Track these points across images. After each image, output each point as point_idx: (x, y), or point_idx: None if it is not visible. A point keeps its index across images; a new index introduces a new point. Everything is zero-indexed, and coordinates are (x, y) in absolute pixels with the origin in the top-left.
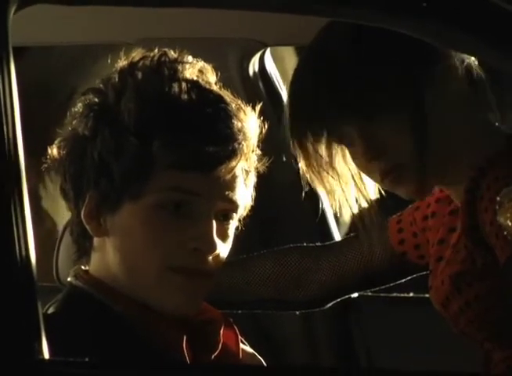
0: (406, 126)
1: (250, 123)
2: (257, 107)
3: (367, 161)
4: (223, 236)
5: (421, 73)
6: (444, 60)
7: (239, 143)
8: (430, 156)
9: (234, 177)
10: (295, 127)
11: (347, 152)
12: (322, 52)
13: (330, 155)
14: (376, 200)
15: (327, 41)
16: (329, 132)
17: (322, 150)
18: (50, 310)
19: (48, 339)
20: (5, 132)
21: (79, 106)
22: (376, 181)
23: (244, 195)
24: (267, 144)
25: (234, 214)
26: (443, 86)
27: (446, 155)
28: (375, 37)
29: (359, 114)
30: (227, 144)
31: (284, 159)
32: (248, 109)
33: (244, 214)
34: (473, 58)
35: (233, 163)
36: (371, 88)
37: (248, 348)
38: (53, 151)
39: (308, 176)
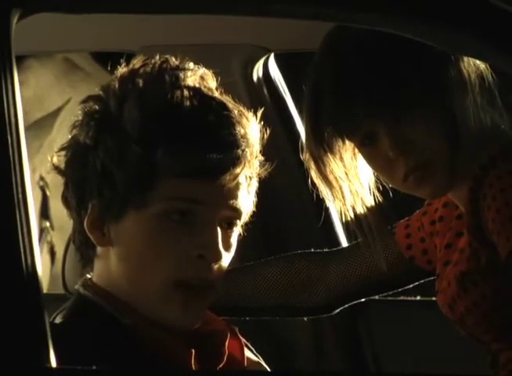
0: (436, 123)
1: (252, 129)
2: (259, 113)
3: (394, 157)
4: (226, 245)
5: (442, 71)
6: (457, 64)
7: (243, 150)
8: (457, 153)
9: (238, 184)
10: (318, 125)
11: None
12: (345, 50)
13: (352, 157)
14: (379, 207)
15: (350, 39)
16: (355, 130)
17: (341, 150)
18: (58, 319)
19: (56, 348)
20: (10, 142)
21: (79, 115)
22: (395, 182)
23: (247, 201)
24: (270, 149)
25: (238, 221)
26: (459, 88)
27: (465, 154)
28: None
29: (387, 113)
30: (231, 151)
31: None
32: (250, 115)
33: (246, 220)
34: (483, 65)
35: (237, 170)
36: (399, 86)
37: (254, 357)
38: (54, 160)
39: (317, 177)
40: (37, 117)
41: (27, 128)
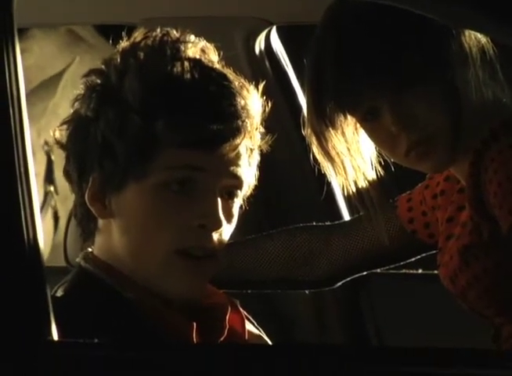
0: (439, 98)
1: (253, 101)
2: (261, 86)
3: (396, 132)
4: (228, 215)
5: (444, 45)
6: (458, 38)
7: (243, 121)
8: (459, 128)
9: (238, 155)
10: (319, 100)
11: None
12: (347, 24)
13: (354, 132)
14: (381, 181)
15: (352, 12)
16: (357, 105)
17: (343, 125)
18: (59, 292)
19: (57, 321)
20: (12, 115)
21: (81, 88)
22: (397, 156)
23: (248, 173)
24: (272, 122)
25: (238, 191)
26: (461, 62)
27: (467, 128)
28: (396, 11)
29: (389, 88)
30: (231, 122)
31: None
32: (251, 87)
33: (248, 193)
34: (485, 38)
35: (237, 140)
36: (401, 61)
37: (255, 330)
38: (56, 134)
39: (319, 153)
40: (41, 80)
41: (30, 92)
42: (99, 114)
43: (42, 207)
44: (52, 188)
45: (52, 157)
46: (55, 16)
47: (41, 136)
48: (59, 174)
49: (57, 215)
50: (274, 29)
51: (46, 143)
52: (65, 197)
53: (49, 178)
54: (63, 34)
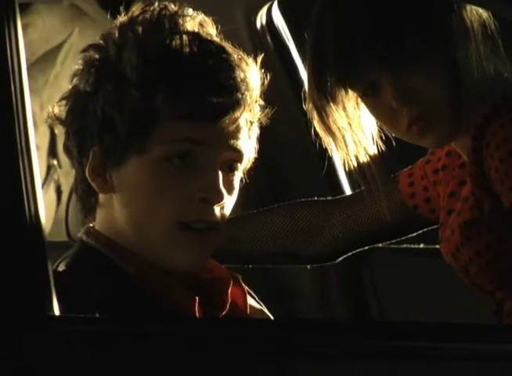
0: (440, 73)
1: (252, 73)
2: (259, 58)
3: (397, 107)
4: (229, 188)
5: (445, 19)
6: (459, 13)
7: (243, 94)
8: (460, 102)
9: (238, 127)
10: (320, 74)
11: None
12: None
13: (355, 106)
14: (382, 156)
15: None
16: (358, 80)
17: (344, 99)
18: (61, 267)
19: (59, 296)
20: (13, 90)
21: (80, 64)
22: (398, 131)
23: (248, 146)
24: (274, 97)
25: (239, 164)
26: (462, 37)
27: (468, 103)
28: None
29: (390, 62)
30: (230, 94)
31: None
32: (250, 60)
33: (248, 166)
34: (486, 13)
35: (237, 113)
36: (402, 36)
37: (257, 305)
38: (55, 110)
39: (321, 127)
40: (42, 53)
41: (31, 65)
42: (97, 89)
43: (45, 181)
44: (55, 162)
45: (56, 131)
46: None
47: (44, 110)
48: (62, 147)
49: (60, 188)
50: (275, 4)
51: (49, 116)
52: (68, 171)
53: (52, 151)
54: (66, 9)
